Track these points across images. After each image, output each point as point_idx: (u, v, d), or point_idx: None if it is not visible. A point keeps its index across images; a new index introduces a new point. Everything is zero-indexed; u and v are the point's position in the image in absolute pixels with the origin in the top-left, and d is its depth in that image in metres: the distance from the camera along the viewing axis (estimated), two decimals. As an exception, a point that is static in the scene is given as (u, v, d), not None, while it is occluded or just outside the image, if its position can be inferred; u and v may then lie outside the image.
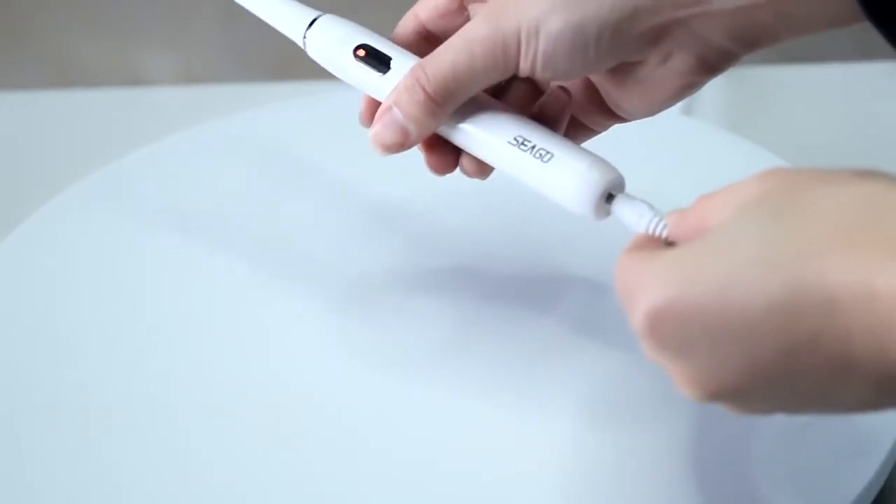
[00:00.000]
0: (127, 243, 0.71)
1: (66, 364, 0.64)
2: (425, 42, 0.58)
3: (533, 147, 0.56)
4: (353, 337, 0.64)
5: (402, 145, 0.57)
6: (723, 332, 0.44)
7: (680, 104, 0.85)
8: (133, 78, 0.98)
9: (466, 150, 0.58)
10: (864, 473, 0.56)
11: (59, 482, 0.59)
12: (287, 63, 0.96)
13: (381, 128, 0.57)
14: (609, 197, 0.55)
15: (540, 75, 0.56)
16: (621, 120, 0.59)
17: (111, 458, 0.60)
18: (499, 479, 0.58)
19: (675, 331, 0.45)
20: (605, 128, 0.60)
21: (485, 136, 0.57)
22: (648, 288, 0.46)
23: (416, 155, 0.61)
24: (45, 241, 0.71)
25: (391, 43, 0.59)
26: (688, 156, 0.75)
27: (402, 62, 0.58)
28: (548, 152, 0.56)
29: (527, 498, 0.57)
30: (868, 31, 0.53)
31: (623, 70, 0.57)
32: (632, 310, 0.46)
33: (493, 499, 0.57)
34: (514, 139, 0.56)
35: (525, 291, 0.66)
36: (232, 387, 0.62)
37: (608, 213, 0.56)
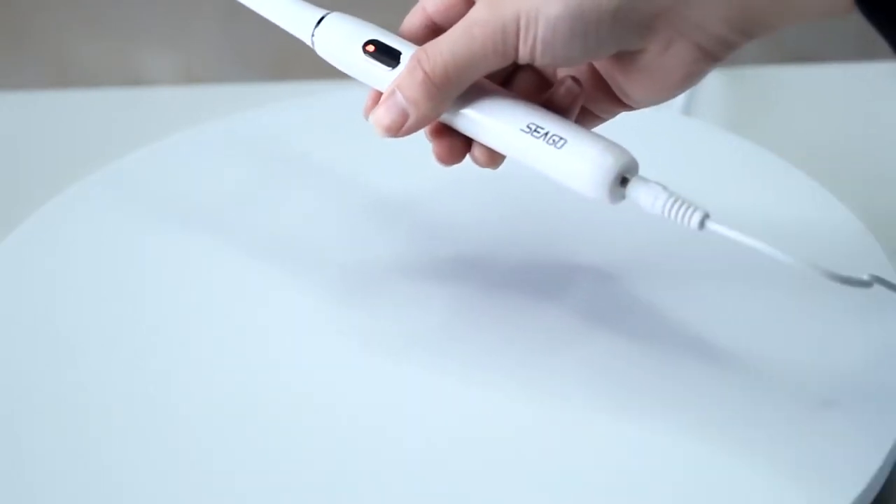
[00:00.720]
0: (127, 243, 0.71)
1: (66, 364, 0.64)
2: (433, 35, 0.59)
3: (546, 134, 0.56)
4: (357, 331, 0.64)
5: (400, 127, 0.58)
6: None
7: (680, 104, 0.86)
8: (133, 78, 0.98)
9: (478, 139, 0.58)
10: (864, 473, 0.56)
11: (59, 482, 0.59)
12: (287, 63, 0.96)
13: (383, 111, 0.58)
14: (623, 181, 0.56)
15: (539, 62, 0.56)
16: (628, 108, 0.60)
17: (111, 458, 0.60)
18: (504, 469, 0.58)
19: None
20: (613, 115, 0.61)
21: (497, 124, 0.57)
22: None
23: (419, 150, 0.61)
24: (45, 241, 0.71)
25: (400, 38, 0.59)
26: (688, 156, 0.75)
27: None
28: (561, 138, 0.56)
29: (531, 487, 0.57)
30: (868, 31, 0.53)
31: (626, 58, 0.57)
32: None
33: (498, 488, 0.57)
34: (527, 126, 0.57)
35: (532, 281, 0.66)
36: (234, 385, 0.62)
37: (623, 197, 0.56)
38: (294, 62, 0.95)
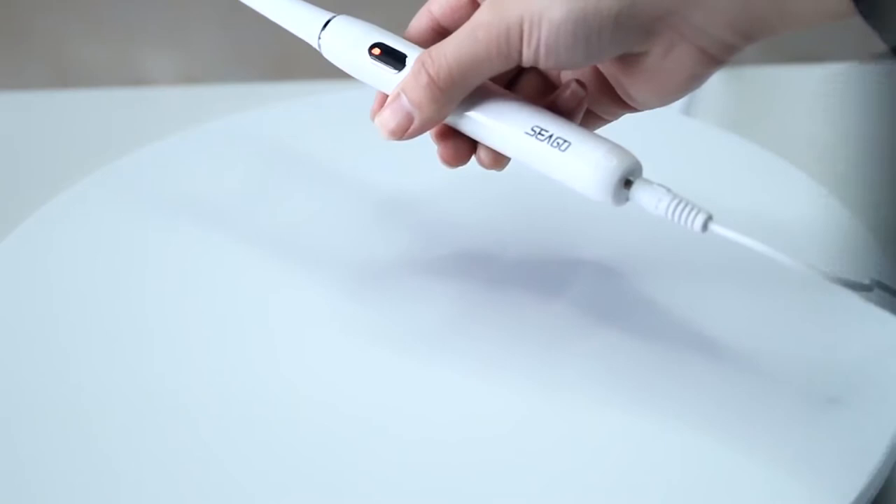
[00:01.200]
0: (127, 243, 0.71)
1: (66, 364, 0.64)
2: (439, 38, 0.59)
3: (550, 136, 0.57)
4: (361, 329, 0.64)
5: (405, 130, 0.58)
6: None
7: (680, 104, 0.86)
8: (133, 78, 0.98)
9: (483, 141, 0.59)
10: (865, 472, 0.56)
11: (59, 482, 0.59)
12: (287, 63, 0.96)
13: (388, 114, 0.58)
14: (627, 183, 0.56)
15: (543, 65, 0.56)
16: (632, 109, 0.60)
17: (111, 458, 0.60)
18: (508, 465, 0.58)
19: None
20: (617, 116, 0.61)
21: (502, 127, 0.57)
22: None
23: (419, 150, 0.61)
24: (45, 241, 0.71)
25: (406, 41, 0.59)
26: (688, 156, 0.75)
27: None
28: (565, 141, 0.56)
29: (533, 483, 0.57)
30: (868, 32, 0.53)
31: (629, 61, 0.57)
32: None
33: (502, 484, 0.57)
34: (532, 129, 0.57)
35: (536, 277, 0.67)
36: (236, 384, 0.62)
37: (627, 199, 0.56)
38: (294, 62, 0.95)
